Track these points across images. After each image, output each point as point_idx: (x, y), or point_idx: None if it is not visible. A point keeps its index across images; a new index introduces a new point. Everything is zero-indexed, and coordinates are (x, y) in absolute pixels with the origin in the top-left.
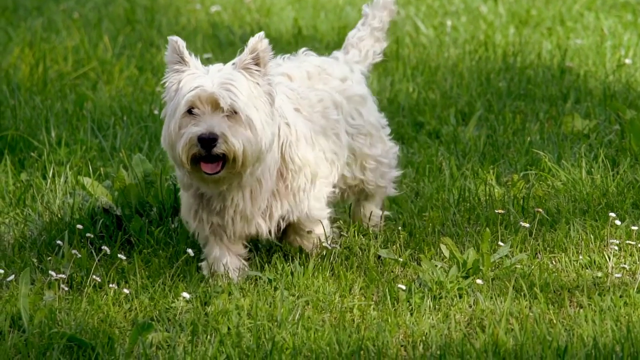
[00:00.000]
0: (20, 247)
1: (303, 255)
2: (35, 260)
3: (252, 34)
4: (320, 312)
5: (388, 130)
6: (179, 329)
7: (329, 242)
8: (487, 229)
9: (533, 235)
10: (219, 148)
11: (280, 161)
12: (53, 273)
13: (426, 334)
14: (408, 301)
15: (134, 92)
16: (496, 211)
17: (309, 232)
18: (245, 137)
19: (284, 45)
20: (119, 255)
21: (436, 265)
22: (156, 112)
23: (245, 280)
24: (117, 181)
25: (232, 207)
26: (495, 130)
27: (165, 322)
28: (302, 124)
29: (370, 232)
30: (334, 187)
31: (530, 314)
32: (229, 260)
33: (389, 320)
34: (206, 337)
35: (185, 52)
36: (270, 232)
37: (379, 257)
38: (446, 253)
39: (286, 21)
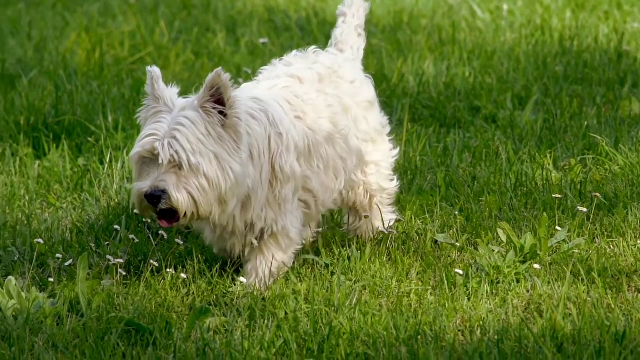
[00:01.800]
0: (78, 232)
1: (360, 240)
2: (93, 245)
3: (308, 18)
4: (377, 297)
5: (388, 129)
6: (236, 313)
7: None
8: (545, 214)
9: (591, 220)
10: (165, 204)
11: (270, 171)
12: (111, 258)
13: (484, 318)
14: (465, 286)
15: (190, 77)
16: (553, 196)
17: (275, 257)
18: (196, 187)
19: None
20: (176, 240)
21: (493, 250)
22: None
23: (302, 265)
24: None
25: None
26: (553, 115)
27: (223, 306)
28: (298, 134)
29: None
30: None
31: (588, 298)
32: None
33: (446, 305)
34: (263, 322)
35: (158, 86)
36: (243, 250)
37: (436, 241)
38: (503, 238)
39: None
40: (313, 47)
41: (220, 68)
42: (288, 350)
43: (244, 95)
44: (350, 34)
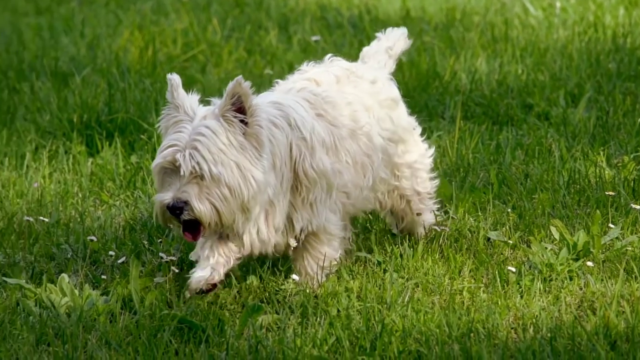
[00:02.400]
0: (130, 230)
1: (412, 237)
2: (145, 243)
3: (361, 16)
4: (429, 294)
5: (419, 130)
6: (288, 311)
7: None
8: (598, 211)
9: None
10: (187, 215)
11: (292, 177)
12: (164, 255)
13: (536, 316)
14: (518, 283)
15: (243, 75)
16: (607, 193)
17: (320, 253)
18: (218, 196)
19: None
20: None
21: (546, 248)
22: None
23: (354, 262)
24: None
25: (248, 235)
26: (605, 112)
27: (275, 304)
28: (321, 129)
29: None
30: (374, 192)
31: None
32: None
33: (499, 303)
34: (316, 319)
35: (178, 94)
36: (287, 245)
37: (489, 239)
38: (556, 235)
39: (394, 3)
40: (329, 54)
41: (240, 76)
42: (340, 347)
43: (263, 101)
44: (379, 52)
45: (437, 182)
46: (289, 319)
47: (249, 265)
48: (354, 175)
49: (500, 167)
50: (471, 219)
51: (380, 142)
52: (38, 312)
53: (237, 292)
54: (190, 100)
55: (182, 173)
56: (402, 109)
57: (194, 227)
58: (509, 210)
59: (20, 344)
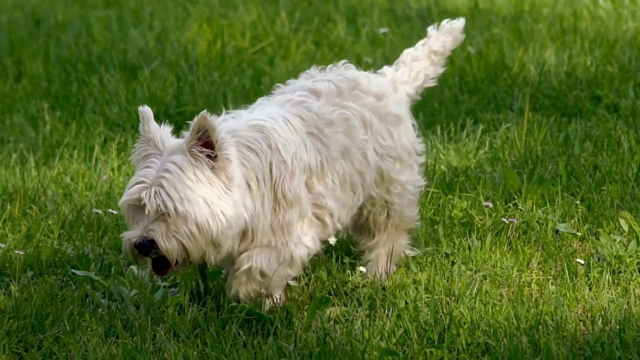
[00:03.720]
0: None
1: (481, 230)
2: None
3: (429, 8)
4: (497, 286)
5: (422, 159)
6: (356, 303)
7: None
8: None
9: None
10: (154, 254)
11: (273, 198)
12: None
13: (605, 308)
14: (587, 275)
15: (310, 66)
16: None
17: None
18: (185, 234)
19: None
20: None
21: (615, 240)
22: None
23: (422, 254)
24: None
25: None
26: None
27: (343, 296)
28: (308, 153)
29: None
30: (360, 208)
31: None
32: None
33: (568, 295)
34: (384, 312)
35: (148, 126)
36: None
37: (557, 231)
38: (625, 227)
39: None
40: (344, 60)
41: (205, 110)
42: (408, 339)
43: (242, 124)
44: (418, 57)
45: (418, 217)
46: (357, 311)
47: (316, 258)
48: (341, 195)
49: (569, 159)
50: (539, 211)
51: (375, 159)
52: (107, 304)
53: (305, 284)
54: (160, 133)
55: (146, 212)
56: (405, 128)
57: (164, 263)
58: (578, 202)
59: (89, 335)
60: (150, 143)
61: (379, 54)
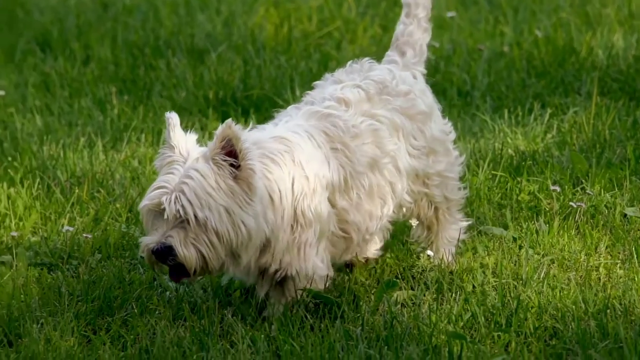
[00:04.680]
0: None
1: (548, 213)
2: None
3: None
4: (565, 270)
5: (453, 136)
6: (423, 287)
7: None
8: None
9: None
10: (172, 261)
11: (292, 215)
12: None
13: None
14: None
15: (377, 52)
16: None
17: (286, 296)
18: (205, 242)
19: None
20: None
21: None
22: None
23: (490, 239)
24: None
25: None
26: None
27: (410, 280)
28: (332, 169)
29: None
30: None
31: None
32: None
33: (636, 279)
34: (451, 295)
35: (174, 133)
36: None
37: (625, 215)
38: None
39: None
40: (367, 58)
41: (230, 119)
42: (476, 323)
43: (267, 136)
44: (414, 31)
45: (466, 192)
46: (424, 295)
47: (384, 244)
48: (368, 207)
49: (638, 143)
50: (607, 195)
51: (407, 164)
52: (174, 288)
53: (373, 267)
54: (186, 141)
55: (165, 217)
56: (435, 119)
57: (181, 271)
58: None
59: (157, 318)
60: (174, 150)
61: (446, 38)
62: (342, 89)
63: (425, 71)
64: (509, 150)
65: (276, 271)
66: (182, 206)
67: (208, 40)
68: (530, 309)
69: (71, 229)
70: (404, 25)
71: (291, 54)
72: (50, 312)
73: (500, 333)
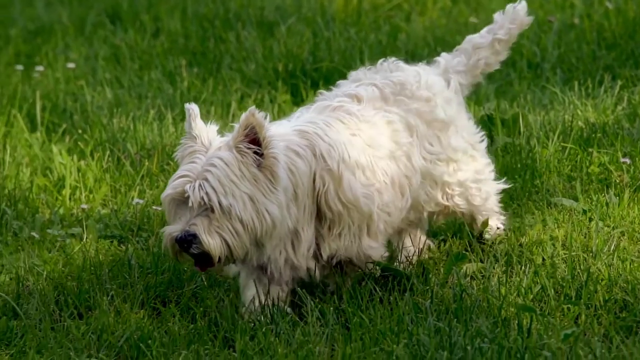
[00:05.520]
0: None
1: (619, 186)
2: None
3: None
4: (635, 243)
5: (482, 145)
6: (493, 259)
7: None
8: None
9: None
10: (196, 249)
11: (315, 209)
12: None
13: None
14: None
15: (447, 24)
16: None
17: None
18: (229, 230)
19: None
20: None
21: None
22: None
23: (559, 211)
24: None
25: (273, 263)
26: None
27: (480, 252)
28: (355, 149)
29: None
30: (418, 212)
31: None
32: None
33: None
34: (520, 268)
35: (195, 124)
36: (318, 272)
37: None
38: None
39: None
40: (393, 58)
41: (253, 107)
42: (545, 296)
43: (288, 129)
44: (480, 45)
45: (500, 187)
46: (494, 268)
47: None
48: (393, 195)
49: None
50: None
51: (421, 164)
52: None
53: (442, 240)
54: (207, 131)
55: (190, 204)
56: (456, 128)
57: (206, 260)
58: None
59: (226, 291)
60: (196, 140)
61: None
62: (357, 86)
63: (467, 82)
64: (579, 123)
65: (329, 257)
66: (207, 193)
67: (278, 13)
68: (600, 281)
69: (141, 201)
70: (478, 36)
71: (360, 26)
72: (120, 285)
73: (570, 306)
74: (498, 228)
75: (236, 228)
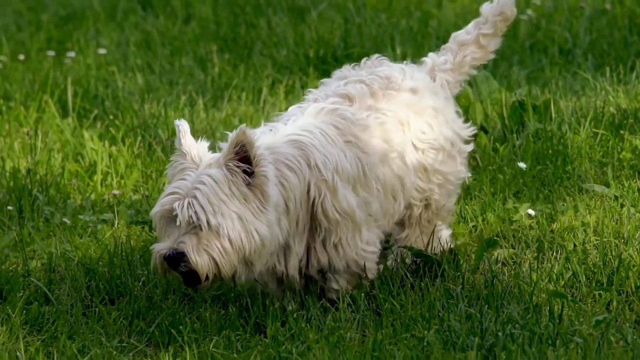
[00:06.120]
0: None
1: None
2: None
3: None
4: None
5: (469, 147)
6: (524, 245)
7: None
8: None
9: None
10: (184, 267)
11: (309, 219)
12: None
13: None
14: None
15: (478, 9)
16: None
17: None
18: (217, 249)
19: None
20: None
21: None
22: None
23: (591, 197)
24: (462, 98)
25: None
26: None
27: (511, 238)
28: (348, 161)
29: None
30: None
31: None
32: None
33: None
34: (552, 254)
35: (185, 140)
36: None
37: None
38: None
39: None
40: (377, 55)
41: (244, 125)
42: (577, 282)
43: (280, 139)
44: (465, 42)
45: (453, 209)
46: (525, 254)
47: (484, 203)
48: (385, 202)
49: None
50: None
51: (415, 160)
52: None
53: (473, 226)
54: (198, 148)
55: (178, 223)
56: (446, 118)
57: (194, 278)
58: None
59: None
60: (186, 157)
61: None
62: (346, 84)
63: (454, 80)
64: (611, 109)
65: (319, 271)
66: (195, 212)
67: None
68: (631, 267)
69: None
70: (464, 32)
71: (392, 12)
72: (151, 270)
73: (601, 292)
74: (445, 238)
75: (224, 247)
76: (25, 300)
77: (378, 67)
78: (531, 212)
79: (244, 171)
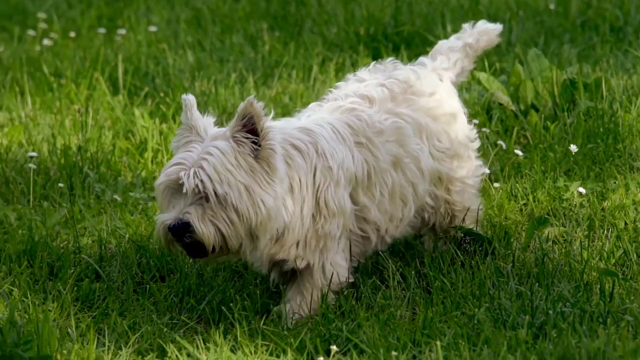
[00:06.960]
0: None
1: None
2: None
3: None
4: None
5: (477, 144)
6: (575, 223)
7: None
8: None
9: None
10: (189, 238)
11: (314, 205)
12: None
13: None
14: None
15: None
16: None
17: (312, 295)
18: (223, 219)
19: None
20: (515, 151)
21: None
22: (552, 6)
23: None
24: (513, 76)
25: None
26: None
27: (561, 216)
28: (356, 163)
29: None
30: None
31: None
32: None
33: None
34: (603, 232)
35: (192, 114)
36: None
37: None
38: None
39: None
40: (391, 58)
41: (252, 97)
42: (627, 260)
43: (290, 125)
44: (453, 48)
45: (481, 207)
46: (576, 232)
47: (535, 181)
48: (389, 207)
49: None
50: None
51: (430, 165)
52: None
53: (524, 204)
54: (204, 122)
55: (184, 191)
56: (460, 122)
57: (198, 250)
58: None
59: None
60: (192, 130)
61: None
62: (366, 86)
63: (454, 78)
64: None
65: (285, 262)
66: (202, 181)
67: None
68: None
69: None
70: (449, 41)
71: None
72: (154, 241)
73: None
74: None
75: (231, 218)
76: (77, 277)
77: (393, 70)
78: (582, 190)
79: (252, 143)
